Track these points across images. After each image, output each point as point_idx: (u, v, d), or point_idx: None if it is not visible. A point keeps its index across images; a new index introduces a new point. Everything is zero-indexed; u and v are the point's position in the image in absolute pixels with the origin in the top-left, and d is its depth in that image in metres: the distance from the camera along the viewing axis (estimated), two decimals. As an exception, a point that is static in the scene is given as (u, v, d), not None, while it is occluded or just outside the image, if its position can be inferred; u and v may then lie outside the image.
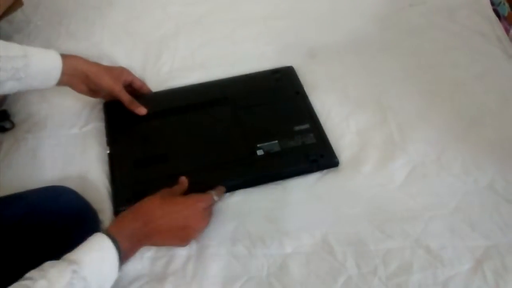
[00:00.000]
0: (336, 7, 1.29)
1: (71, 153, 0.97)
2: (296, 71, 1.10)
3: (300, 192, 0.91)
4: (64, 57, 0.89)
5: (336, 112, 1.03)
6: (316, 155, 0.94)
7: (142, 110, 1.00)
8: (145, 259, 0.82)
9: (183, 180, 0.86)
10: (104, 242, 0.68)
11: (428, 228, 0.85)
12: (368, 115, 1.02)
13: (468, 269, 0.80)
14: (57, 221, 0.79)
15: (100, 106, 1.05)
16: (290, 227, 0.86)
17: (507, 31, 1.23)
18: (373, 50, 1.18)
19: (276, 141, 0.95)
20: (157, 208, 0.76)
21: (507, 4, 1.28)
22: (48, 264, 0.63)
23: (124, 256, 0.70)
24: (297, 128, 0.97)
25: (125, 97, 0.99)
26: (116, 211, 0.87)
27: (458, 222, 0.86)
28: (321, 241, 0.84)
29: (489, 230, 0.85)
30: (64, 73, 0.89)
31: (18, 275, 0.73)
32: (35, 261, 0.74)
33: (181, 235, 0.79)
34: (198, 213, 0.80)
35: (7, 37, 1.19)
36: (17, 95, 1.07)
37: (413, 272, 0.80)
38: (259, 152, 0.94)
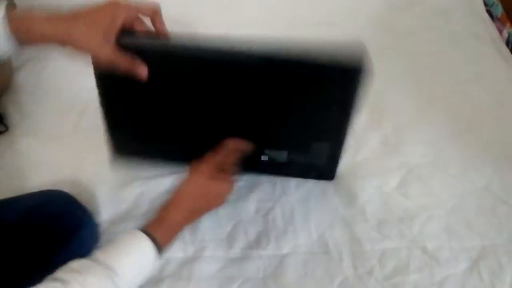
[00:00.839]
0: (333, 9, 1.29)
1: (65, 156, 0.96)
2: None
3: (297, 193, 0.91)
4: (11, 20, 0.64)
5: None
6: (317, 173, 0.90)
7: (142, 72, 0.71)
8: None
9: (232, 146, 0.79)
10: (142, 243, 0.65)
11: (424, 229, 0.85)
12: (365, 116, 1.02)
13: (464, 269, 0.81)
14: (53, 225, 0.79)
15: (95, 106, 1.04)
16: (286, 228, 0.86)
17: (500, 32, 1.23)
18: (370, 51, 1.17)
19: (286, 152, 0.84)
20: (198, 197, 0.74)
21: (500, 5, 1.28)
22: (84, 267, 0.61)
23: (161, 248, 0.67)
24: (315, 145, 0.82)
25: (120, 62, 0.69)
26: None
27: (454, 223, 0.86)
28: (318, 242, 0.84)
29: (485, 230, 0.86)
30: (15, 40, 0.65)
31: (14, 278, 0.73)
32: (31, 265, 0.74)
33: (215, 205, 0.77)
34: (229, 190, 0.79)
35: None
36: (10, 97, 1.06)
37: (410, 273, 0.80)
38: (264, 158, 0.85)
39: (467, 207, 0.88)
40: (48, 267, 0.75)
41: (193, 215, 0.74)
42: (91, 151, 0.97)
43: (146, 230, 0.67)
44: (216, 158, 0.77)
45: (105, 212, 0.88)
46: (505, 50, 1.18)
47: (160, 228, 0.69)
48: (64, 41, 0.67)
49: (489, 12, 1.29)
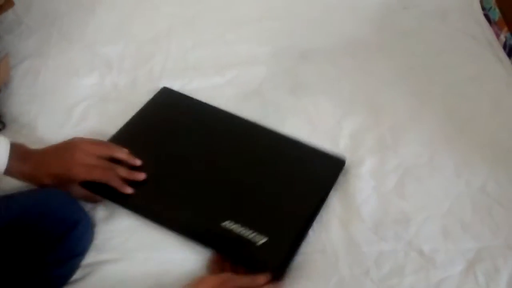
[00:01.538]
0: (330, 9, 1.30)
1: (62, 154, 0.96)
2: (344, 169, 0.93)
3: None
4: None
5: (329, 114, 1.03)
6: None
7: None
8: None
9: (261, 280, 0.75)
10: None
11: (420, 231, 0.85)
12: (361, 117, 1.03)
13: (460, 271, 0.81)
14: (49, 223, 0.78)
15: (93, 105, 1.05)
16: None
17: (497, 36, 1.24)
18: (366, 52, 1.18)
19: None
20: None
21: (497, 9, 1.29)
22: None
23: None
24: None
25: (80, 197, 0.85)
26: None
27: (450, 225, 0.86)
28: (314, 242, 0.84)
29: (480, 232, 0.86)
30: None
31: (9, 277, 0.72)
32: (26, 263, 0.74)
33: None
34: None
35: (-3, 38, 1.18)
36: (7, 96, 1.06)
37: (406, 275, 0.80)
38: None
39: (462, 209, 0.88)
40: (44, 265, 0.76)
41: None
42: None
43: None
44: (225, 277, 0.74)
45: (100, 210, 0.87)
46: (502, 53, 1.18)
47: None
48: (33, 182, 0.82)
49: (486, 16, 1.29)
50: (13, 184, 0.88)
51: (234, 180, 0.90)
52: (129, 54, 1.16)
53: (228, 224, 0.82)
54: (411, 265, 0.81)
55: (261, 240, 0.80)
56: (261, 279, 0.75)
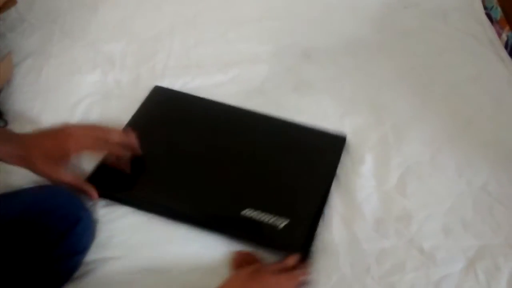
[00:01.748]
0: (331, 9, 1.30)
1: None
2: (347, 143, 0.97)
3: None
4: None
5: (331, 112, 1.03)
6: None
7: (93, 195, 0.85)
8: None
9: (291, 260, 0.78)
10: None
11: (421, 229, 0.86)
12: (363, 115, 1.03)
13: (461, 269, 0.81)
14: (51, 220, 0.78)
15: (95, 102, 1.05)
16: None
17: (499, 35, 1.24)
18: (368, 51, 1.18)
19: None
20: (256, 284, 0.72)
21: (499, 8, 1.29)
22: None
23: None
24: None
25: (68, 181, 0.83)
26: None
27: (451, 223, 0.86)
28: (315, 239, 0.84)
29: (481, 230, 0.86)
30: None
31: (11, 273, 0.73)
32: (29, 260, 0.74)
33: None
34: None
35: (0, 35, 1.18)
36: (10, 93, 1.06)
37: (406, 272, 0.80)
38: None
39: (464, 207, 0.89)
40: (46, 262, 0.76)
41: None
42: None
43: None
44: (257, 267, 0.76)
45: (102, 208, 0.87)
46: (503, 52, 1.18)
47: None
48: (23, 164, 0.80)
49: (488, 16, 1.29)
50: (15, 182, 0.89)
51: (245, 169, 0.92)
52: (131, 52, 1.17)
53: (248, 212, 0.84)
54: (412, 263, 0.81)
55: (283, 223, 0.82)
56: (291, 261, 0.77)
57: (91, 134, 0.85)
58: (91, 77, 1.11)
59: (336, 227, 0.86)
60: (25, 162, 0.80)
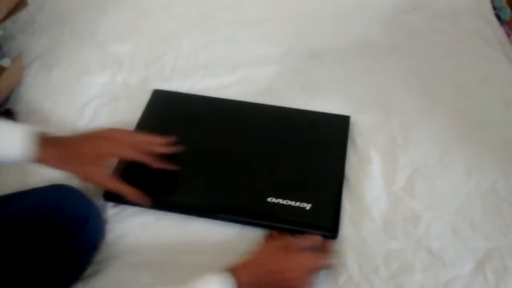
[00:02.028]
0: (340, 10, 1.30)
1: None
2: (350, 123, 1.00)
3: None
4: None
5: (339, 113, 1.03)
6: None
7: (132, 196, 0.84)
8: None
9: (317, 239, 0.81)
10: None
11: (430, 229, 0.85)
12: (371, 116, 1.03)
13: (469, 270, 0.81)
14: (61, 219, 0.79)
15: (105, 103, 1.06)
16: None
17: (508, 35, 1.23)
18: (376, 52, 1.18)
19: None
20: (282, 257, 0.75)
21: (508, 9, 1.28)
22: None
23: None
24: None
25: (119, 188, 0.83)
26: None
27: (460, 224, 0.86)
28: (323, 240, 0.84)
29: (490, 231, 0.85)
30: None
31: (21, 272, 0.73)
32: (38, 259, 0.75)
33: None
34: (309, 275, 0.76)
35: (11, 37, 1.19)
36: (20, 94, 1.07)
37: (415, 273, 0.80)
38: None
39: (472, 208, 0.88)
40: (55, 260, 0.76)
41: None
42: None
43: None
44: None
45: (111, 209, 0.88)
46: (513, 53, 1.18)
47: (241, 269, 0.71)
48: (63, 165, 0.80)
49: (497, 16, 1.29)
50: (25, 181, 0.89)
51: (260, 160, 0.94)
52: (140, 53, 1.17)
53: (272, 200, 0.86)
54: (420, 264, 0.81)
55: (307, 206, 0.85)
56: (318, 238, 0.80)
57: (130, 140, 0.85)
58: (100, 79, 1.11)
59: (344, 227, 0.86)
60: (65, 163, 0.80)
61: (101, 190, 0.88)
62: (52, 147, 0.78)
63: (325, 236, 0.82)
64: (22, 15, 1.23)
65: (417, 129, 1.00)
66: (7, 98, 1.06)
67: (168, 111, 1.04)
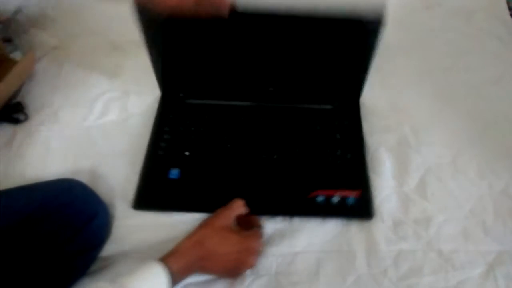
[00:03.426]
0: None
1: (83, 146, 0.97)
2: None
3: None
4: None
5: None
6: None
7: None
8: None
9: (240, 204, 0.83)
10: (156, 269, 0.69)
11: (441, 231, 0.85)
12: (383, 117, 1.02)
13: (480, 273, 0.80)
14: (68, 214, 0.79)
15: (114, 98, 1.06)
16: (300, 226, 0.86)
17: (523, 36, 1.22)
18: (388, 52, 1.16)
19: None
20: (215, 235, 0.77)
21: (523, 9, 1.27)
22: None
23: (174, 280, 0.70)
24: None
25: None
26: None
27: (471, 226, 0.85)
28: (332, 240, 0.83)
29: (502, 235, 0.84)
30: None
31: (28, 267, 0.73)
32: (45, 254, 0.75)
33: (233, 269, 0.78)
34: (252, 251, 0.79)
35: (23, 31, 1.20)
36: (30, 88, 1.07)
37: (424, 275, 0.80)
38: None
39: (484, 211, 0.87)
40: (62, 255, 0.76)
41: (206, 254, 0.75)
42: (110, 142, 0.98)
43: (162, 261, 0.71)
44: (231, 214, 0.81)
45: (119, 205, 0.88)
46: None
47: (173, 257, 0.73)
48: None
49: (512, 16, 1.27)
50: (35, 175, 0.89)
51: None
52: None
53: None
54: (430, 266, 0.81)
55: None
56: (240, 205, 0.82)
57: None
58: (110, 73, 1.11)
59: (354, 228, 0.85)
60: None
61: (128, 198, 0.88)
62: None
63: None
64: (34, 9, 1.24)
65: (430, 129, 0.99)
66: (17, 91, 1.06)
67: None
